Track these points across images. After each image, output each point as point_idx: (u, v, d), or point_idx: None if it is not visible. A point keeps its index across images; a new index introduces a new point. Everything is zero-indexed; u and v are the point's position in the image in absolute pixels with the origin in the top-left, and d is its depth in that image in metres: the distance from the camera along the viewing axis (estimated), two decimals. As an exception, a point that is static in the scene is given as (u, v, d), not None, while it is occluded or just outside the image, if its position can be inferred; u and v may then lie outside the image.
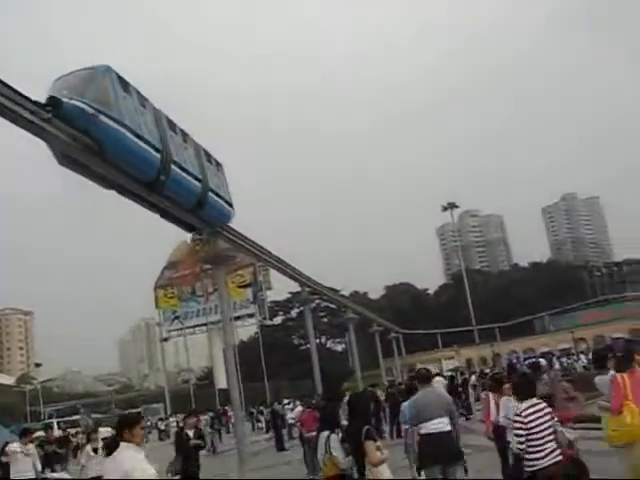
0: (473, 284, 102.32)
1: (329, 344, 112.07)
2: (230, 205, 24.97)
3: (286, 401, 36.96)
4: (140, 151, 18.07)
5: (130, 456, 6.15)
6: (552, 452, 7.63)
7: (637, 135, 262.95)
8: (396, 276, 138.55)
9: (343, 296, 70.88)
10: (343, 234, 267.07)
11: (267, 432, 37.05)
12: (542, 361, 24.91)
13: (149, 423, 58.73)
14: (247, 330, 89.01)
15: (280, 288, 77.91)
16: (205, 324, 73.52)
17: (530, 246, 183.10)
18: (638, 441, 8.37)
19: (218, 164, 24.78)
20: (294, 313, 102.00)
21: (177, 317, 76.47)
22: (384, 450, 8.01)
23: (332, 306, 73.34)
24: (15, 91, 14.57)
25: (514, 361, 48.82)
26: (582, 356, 51.49)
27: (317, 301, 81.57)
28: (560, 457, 7.68)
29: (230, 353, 25.82)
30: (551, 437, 7.71)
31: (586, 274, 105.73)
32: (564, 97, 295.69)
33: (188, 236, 34.07)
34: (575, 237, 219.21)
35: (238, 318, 73.67)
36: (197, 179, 21.48)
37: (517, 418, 7.84)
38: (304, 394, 33.31)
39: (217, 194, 23.44)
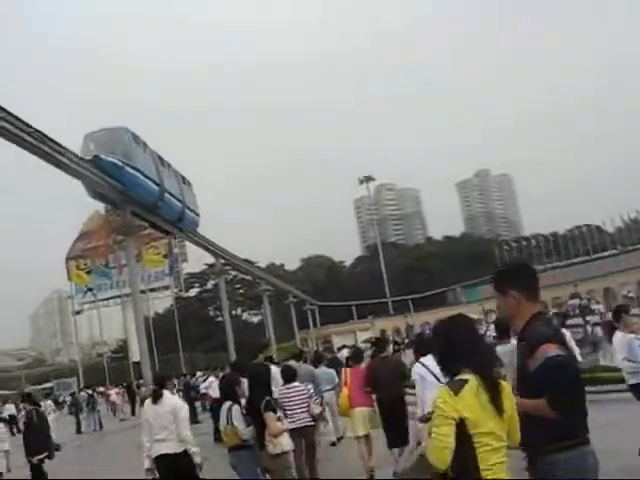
0: (388, 257, 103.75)
1: (245, 316, 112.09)
2: (197, 215, 34.81)
3: (200, 373, 36.85)
4: (147, 187, 27.20)
5: (173, 397, 9.08)
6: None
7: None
8: (313, 248, 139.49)
9: (259, 268, 70.99)
10: (260, 206, 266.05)
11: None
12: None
13: (61, 398, 57.69)
14: (163, 302, 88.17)
15: (196, 260, 77.29)
16: (119, 296, 72.34)
17: (444, 220, 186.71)
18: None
19: (189, 183, 34.08)
20: (210, 285, 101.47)
21: (90, 289, 74.93)
22: (284, 421, 8.18)
23: (248, 278, 73.15)
24: (61, 146, 21.99)
25: (426, 332, 50.04)
26: (492, 327, 52.90)
27: (233, 273, 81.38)
28: None
29: (141, 326, 25.66)
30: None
31: (497, 248, 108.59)
32: (487, 80, 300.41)
33: (101, 206, 34.10)
34: (487, 212, 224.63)
35: (153, 290, 72.92)
36: (179, 200, 31.03)
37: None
38: (218, 366, 33.38)
39: (190, 209, 33.07)
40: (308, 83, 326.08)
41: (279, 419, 7.90)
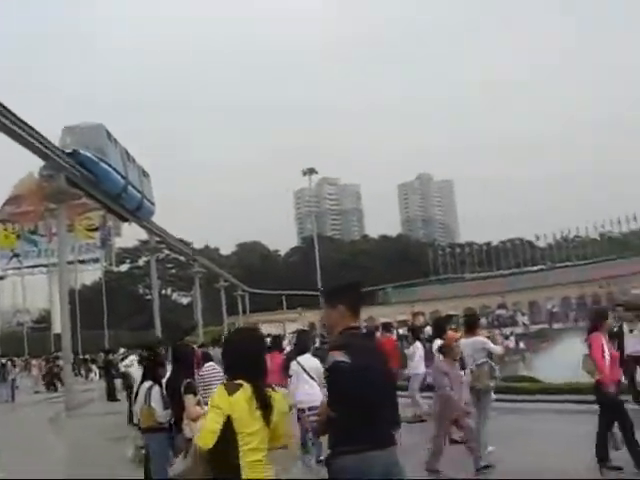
0: (323, 250, 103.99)
1: (175, 296, 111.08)
2: (153, 204, 38.42)
3: (122, 350, 36.22)
4: (115, 180, 30.56)
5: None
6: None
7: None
8: (249, 234, 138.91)
9: (193, 249, 70.17)
10: (199, 188, 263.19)
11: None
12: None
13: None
14: (92, 275, 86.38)
15: (130, 235, 75.84)
16: (46, 265, 70.52)
17: (382, 220, 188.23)
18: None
19: (148, 175, 37.55)
20: (142, 262, 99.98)
21: (16, 255, 72.90)
22: (204, 406, 7.98)
23: (181, 258, 72.43)
24: (47, 141, 25.45)
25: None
26: (427, 328, 53.96)
27: (166, 252, 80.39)
28: None
29: (65, 297, 25.10)
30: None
31: (431, 252, 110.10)
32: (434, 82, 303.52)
33: (35, 169, 33.56)
34: (426, 216, 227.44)
35: (83, 262, 71.34)
36: (138, 191, 34.46)
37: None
38: (141, 345, 32.79)
39: (148, 199, 36.57)
40: (259, 72, 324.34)
41: (199, 403, 7.71)
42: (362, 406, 4.07)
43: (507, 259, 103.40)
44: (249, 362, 4.16)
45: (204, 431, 4.01)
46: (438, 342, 12.52)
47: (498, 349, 11.07)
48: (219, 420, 3.95)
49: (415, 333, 16.94)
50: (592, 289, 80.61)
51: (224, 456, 3.95)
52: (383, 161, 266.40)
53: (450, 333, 13.34)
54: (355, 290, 4.69)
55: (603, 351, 8.57)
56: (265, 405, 4.03)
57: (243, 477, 3.92)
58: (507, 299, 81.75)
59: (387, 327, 16.42)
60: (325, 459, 4.25)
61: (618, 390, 8.65)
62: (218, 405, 4.00)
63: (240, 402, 3.98)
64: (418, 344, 15.53)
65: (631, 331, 13.29)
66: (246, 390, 4.02)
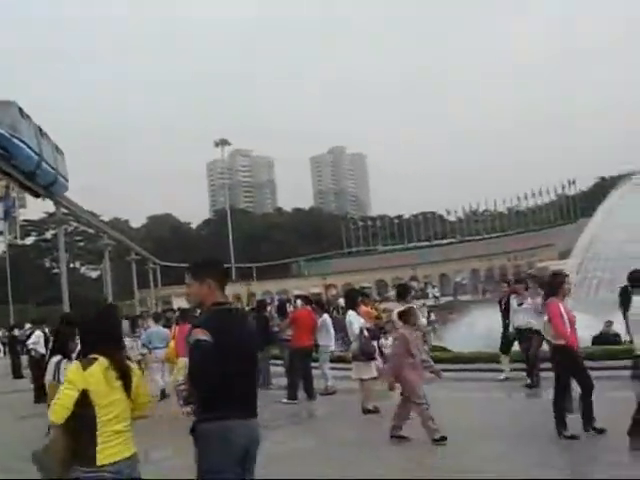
0: (236, 223, 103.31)
1: (83, 270, 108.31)
2: (67, 180, 37.62)
3: (28, 326, 35.06)
4: (29, 157, 30.10)
5: None
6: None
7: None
8: (160, 206, 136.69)
9: (102, 221, 68.37)
10: (109, 158, 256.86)
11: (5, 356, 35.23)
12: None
13: None
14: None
15: (36, 207, 73.17)
16: (-57, 237, 67.48)
17: (296, 192, 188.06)
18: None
19: (62, 152, 36.85)
20: (49, 235, 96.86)
21: None
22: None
23: (90, 231, 70.41)
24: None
25: (267, 300, 50.26)
26: (339, 300, 54.42)
27: (74, 224, 78.16)
28: None
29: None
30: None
31: (344, 225, 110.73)
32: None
33: None
34: (338, 189, 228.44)
35: (-16, 234, 68.57)
36: (52, 168, 33.73)
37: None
38: (46, 319, 31.77)
39: (62, 175, 36.10)
40: (173, 40, 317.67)
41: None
42: (222, 382, 4.27)
43: (418, 232, 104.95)
44: (104, 337, 4.29)
45: (56, 406, 4.13)
46: (350, 313, 12.57)
47: (424, 321, 11.29)
48: (72, 395, 4.08)
49: (322, 305, 16.90)
50: (500, 262, 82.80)
51: (82, 425, 4.09)
52: (296, 133, 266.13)
53: (364, 308, 13.40)
54: (221, 266, 4.98)
55: (562, 316, 8.59)
56: (124, 375, 4.19)
57: (97, 448, 4.07)
58: (418, 272, 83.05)
59: (307, 299, 16.21)
60: (190, 427, 4.40)
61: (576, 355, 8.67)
62: (71, 380, 4.14)
63: (95, 375, 4.11)
64: (326, 316, 15.53)
65: (520, 304, 13.44)
66: (102, 363, 4.15)
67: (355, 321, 12.24)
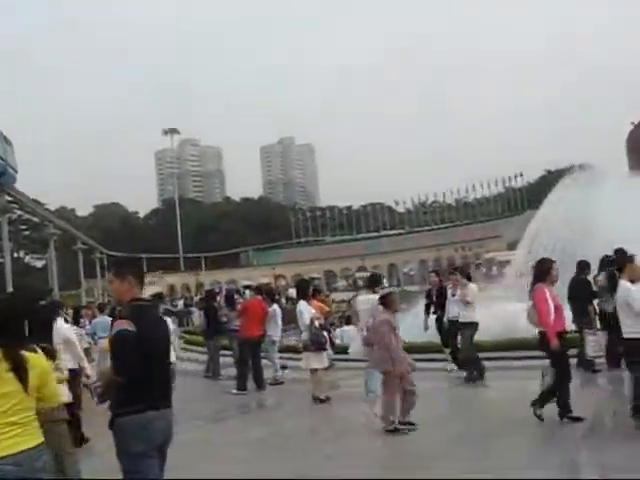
0: (185, 212, 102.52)
1: (28, 259, 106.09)
2: (16, 171, 37.76)
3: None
4: None
5: None
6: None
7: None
8: (106, 196, 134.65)
9: (48, 210, 67.06)
10: (54, 146, 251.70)
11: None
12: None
13: None
14: None
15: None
16: None
17: (245, 182, 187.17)
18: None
19: (10, 143, 36.59)
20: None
21: None
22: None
23: (35, 219, 68.90)
24: None
25: (216, 290, 50.08)
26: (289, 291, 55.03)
27: (18, 212, 76.42)
28: None
29: None
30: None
31: (293, 215, 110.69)
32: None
33: None
34: (287, 179, 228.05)
35: None
36: (2, 159, 33.95)
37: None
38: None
39: (11, 167, 36.26)
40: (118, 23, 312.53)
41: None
42: (143, 371, 4.47)
43: (367, 223, 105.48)
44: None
45: None
46: (301, 303, 12.53)
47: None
48: None
49: (272, 295, 16.84)
50: (448, 252, 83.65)
51: None
52: (245, 123, 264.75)
53: (315, 302, 13.35)
54: (141, 264, 5.39)
55: (547, 302, 8.51)
56: (17, 367, 4.06)
57: None
58: (367, 262, 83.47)
59: (258, 289, 16.11)
60: (109, 421, 4.57)
61: (562, 341, 8.51)
62: None
63: None
64: (275, 307, 15.47)
65: (453, 295, 13.49)
66: None
67: (306, 311, 12.20)
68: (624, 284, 8.15)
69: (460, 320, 12.62)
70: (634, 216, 18.93)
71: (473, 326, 12.51)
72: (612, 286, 8.84)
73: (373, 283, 12.11)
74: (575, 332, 12.63)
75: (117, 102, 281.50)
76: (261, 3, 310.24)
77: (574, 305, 12.65)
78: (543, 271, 8.87)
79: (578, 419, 8.20)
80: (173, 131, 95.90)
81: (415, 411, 8.80)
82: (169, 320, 12.90)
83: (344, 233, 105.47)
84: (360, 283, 66.71)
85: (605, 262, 12.10)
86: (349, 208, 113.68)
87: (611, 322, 11.42)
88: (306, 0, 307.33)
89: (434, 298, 14.58)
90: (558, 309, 8.58)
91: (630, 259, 8.67)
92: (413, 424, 8.74)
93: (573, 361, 10.46)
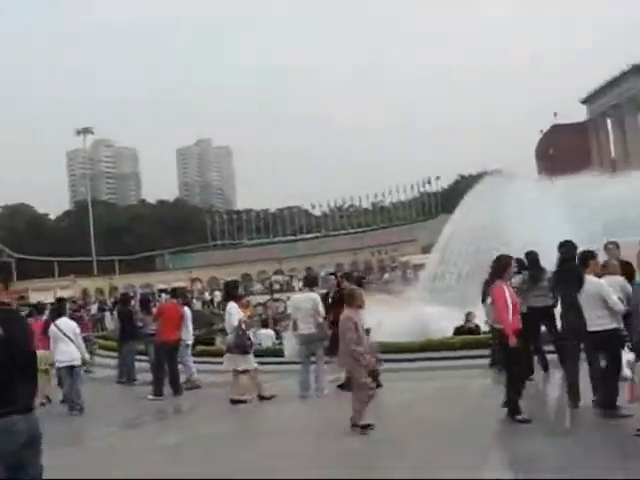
0: (98, 215, 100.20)
1: None
2: None
3: None
4: None
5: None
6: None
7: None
8: (14, 196, 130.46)
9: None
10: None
11: None
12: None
13: None
14: None
15: None
16: None
17: (161, 184, 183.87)
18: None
19: None
20: None
21: None
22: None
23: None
24: None
25: (131, 294, 49.19)
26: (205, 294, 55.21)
27: None
28: None
29: None
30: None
31: (209, 218, 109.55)
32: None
33: None
34: (204, 181, 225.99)
35: None
36: None
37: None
38: None
39: None
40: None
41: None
42: (7, 375, 4.41)
43: (284, 226, 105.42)
44: None
45: None
46: (232, 305, 12.40)
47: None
48: None
49: (185, 299, 16.64)
50: (364, 256, 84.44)
51: None
52: (162, 125, 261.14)
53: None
54: (8, 269, 5.41)
55: (506, 300, 8.46)
56: None
57: None
58: (284, 265, 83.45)
59: (174, 292, 15.89)
60: None
61: (520, 338, 8.40)
62: None
63: None
64: (186, 309, 15.25)
65: None
66: None
67: (235, 313, 12.09)
68: (592, 279, 8.37)
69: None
70: (543, 219, 19.58)
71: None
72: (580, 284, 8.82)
73: (311, 282, 12.36)
74: (488, 332, 12.95)
75: (28, 99, 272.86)
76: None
77: (488, 306, 12.90)
78: (501, 268, 8.81)
79: (526, 421, 8.12)
80: (86, 131, 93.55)
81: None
82: (74, 324, 12.71)
83: (261, 236, 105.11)
84: (277, 287, 66.94)
85: (519, 264, 12.40)
86: (266, 211, 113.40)
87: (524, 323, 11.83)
88: (226, 1, 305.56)
89: (330, 300, 14.44)
90: (515, 307, 8.55)
91: (592, 255, 8.86)
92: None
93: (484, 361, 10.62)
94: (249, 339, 12.01)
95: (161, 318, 14.25)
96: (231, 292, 13.08)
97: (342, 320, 8.95)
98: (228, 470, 7.48)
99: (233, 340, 11.85)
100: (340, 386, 11.49)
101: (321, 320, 11.75)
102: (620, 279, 8.65)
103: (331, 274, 17.87)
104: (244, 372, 11.85)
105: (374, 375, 9.24)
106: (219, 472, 7.39)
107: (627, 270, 8.82)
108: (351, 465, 7.34)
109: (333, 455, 7.86)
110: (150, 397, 13.23)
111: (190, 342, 15.04)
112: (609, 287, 8.29)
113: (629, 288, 8.29)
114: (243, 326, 11.87)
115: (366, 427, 8.48)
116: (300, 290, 13.10)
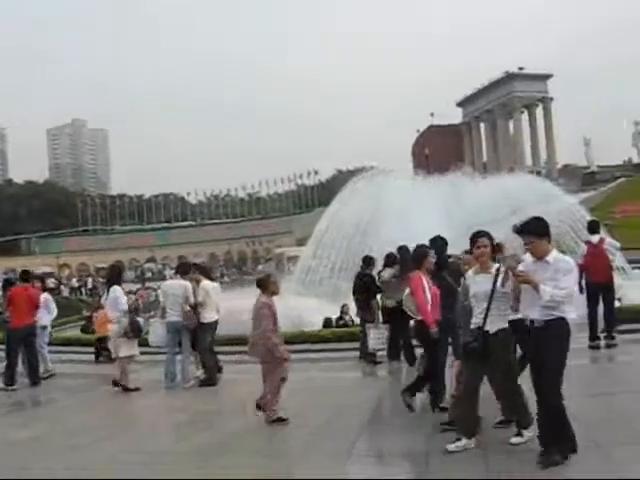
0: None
1: None
2: None
3: None
4: None
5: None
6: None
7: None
8: None
9: None
10: None
11: None
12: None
13: None
14: None
15: None
16: None
17: (31, 165, 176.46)
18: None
19: None
20: None
21: None
22: None
23: None
24: None
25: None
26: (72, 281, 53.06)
27: None
28: None
29: None
30: None
31: (80, 202, 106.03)
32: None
33: None
34: (77, 164, 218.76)
35: None
36: None
37: None
38: None
39: None
40: None
41: None
42: None
43: (158, 214, 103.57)
44: None
45: None
46: (116, 288, 11.84)
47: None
48: None
49: (43, 283, 15.90)
50: (239, 246, 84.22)
51: None
52: (33, 105, 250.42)
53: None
54: None
55: (425, 290, 8.28)
56: None
57: None
58: (157, 253, 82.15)
59: (25, 274, 14.98)
60: None
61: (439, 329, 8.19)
62: None
63: None
64: (46, 295, 14.58)
65: None
66: None
67: (122, 296, 11.65)
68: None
69: (200, 321, 12.05)
70: (417, 215, 20.00)
71: (208, 326, 11.78)
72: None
73: (183, 270, 12.07)
74: (358, 325, 13.00)
75: None
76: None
77: (358, 300, 12.99)
78: (419, 258, 8.55)
79: (445, 409, 7.86)
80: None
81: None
82: None
83: (134, 223, 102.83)
84: (149, 275, 65.60)
85: (390, 259, 12.51)
86: (140, 197, 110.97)
87: (393, 317, 11.96)
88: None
89: None
90: (435, 297, 8.38)
91: (499, 247, 8.90)
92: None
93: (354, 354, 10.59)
94: (139, 323, 11.73)
95: (12, 304, 13.47)
96: (115, 276, 12.52)
97: (257, 307, 8.56)
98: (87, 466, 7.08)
99: (128, 324, 11.45)
100: (202, 381, 11.38)
101: (189, 308, 11.43)
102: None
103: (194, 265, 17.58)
104: (130, 357, 11.54)
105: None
106: (76, 468, 6.97)
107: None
108: (200, 463, 7.05)
109: (187, 451, 7.55)
110: (1, 386, 12.49)
111: (48, 328, 14.37)
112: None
113: None
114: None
115: (283, 420, 8.22)
116: (171, 277, 12.65)
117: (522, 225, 6.07)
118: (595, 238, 12.26)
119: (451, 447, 6.34)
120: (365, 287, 12.73)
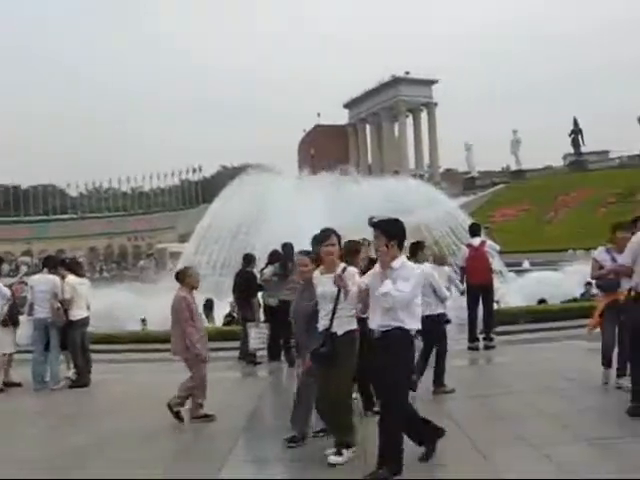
0: None
1: None
2: None
3: None
4: None
5: None
6: None
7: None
8: None
9: None
10: None
11: None
12: None
13: None
14: None
15: None
16: None
17: None
18: None
19: None
20: None
21: None
22: None
23: None
24: None
25: None
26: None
27: None
28: None
29: None
30: None
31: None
32: None
33: None
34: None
35: None
36: None
37: None
38: None
39: None
40: None
41: None
42: None
43: (36, 205, 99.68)
44: None
45: None
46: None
47: None
48: None
49: None
50: (120, 241, 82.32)
51: None
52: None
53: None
54: None
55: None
56: None
57: None
58: (34, 247, 79.09)
59: None
60: None
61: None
62: None
63: None
64: None
65: None
66: None
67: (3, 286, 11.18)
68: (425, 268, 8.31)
69: (69, 318, 11.47)
70: (300, 213, 20.02)
71: (77, 324, 11.11)
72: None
73: (51, 263, 11.48)
74: (238, 324, 12.76)
75: None
76: None
77: (239, 298, 12.76)
78: (351, 252, 8.18)
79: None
80: None
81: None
82: None
83: (9, 214, 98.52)
84: (24, 269, 63.16)
85: (274, 256, 12.34)
86: (17, 187, 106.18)
87: (274, 316, 11.80)
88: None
89: None
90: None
91: (421, 245, 9.23)
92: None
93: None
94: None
95: None
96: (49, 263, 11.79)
97: (175, 301, 8.15)
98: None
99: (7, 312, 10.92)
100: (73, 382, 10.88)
101: (58, 305, 10.80)
102: (448, 269, 9.79)
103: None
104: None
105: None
106: None
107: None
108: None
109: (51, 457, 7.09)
110: None
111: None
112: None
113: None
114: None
115: (208, 417, 8.01)
116: (40, 272, 11.88)
117: (379, 220, 5.96)
118: (476, 241, 12.57)
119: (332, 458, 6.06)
120: (246, 285, 12.51)
